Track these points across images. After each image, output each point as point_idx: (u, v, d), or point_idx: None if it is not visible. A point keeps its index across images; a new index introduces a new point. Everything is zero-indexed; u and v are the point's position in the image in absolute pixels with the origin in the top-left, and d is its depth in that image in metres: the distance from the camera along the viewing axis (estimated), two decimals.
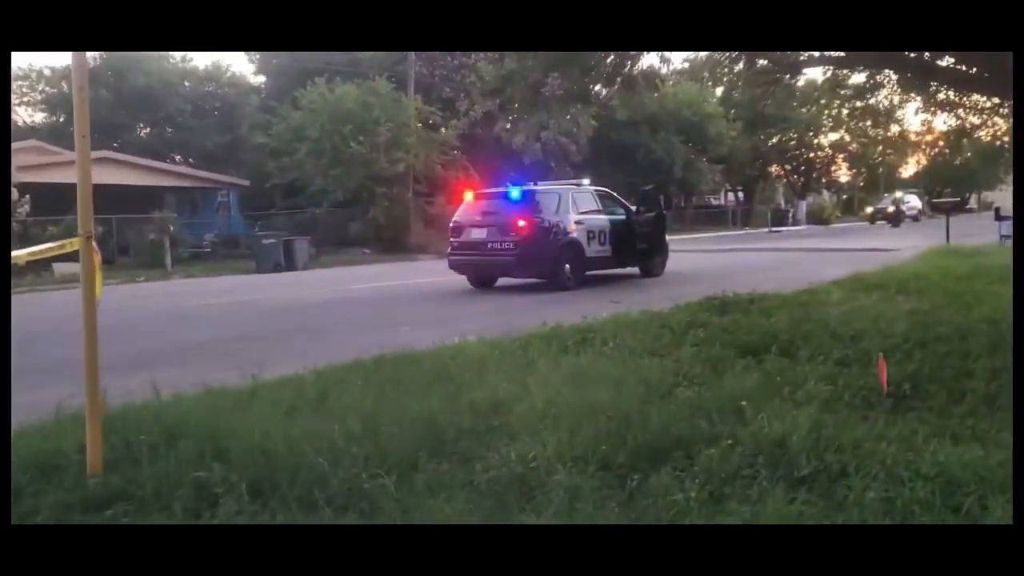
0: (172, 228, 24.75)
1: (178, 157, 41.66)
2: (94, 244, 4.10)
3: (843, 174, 65.99)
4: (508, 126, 34.84)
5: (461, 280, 15.70)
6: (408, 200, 30.72)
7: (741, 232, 43.36)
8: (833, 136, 57.16)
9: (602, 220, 15.45)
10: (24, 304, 16.67)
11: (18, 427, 4.97)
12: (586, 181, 17.11)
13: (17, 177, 24.80)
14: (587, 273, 15.08)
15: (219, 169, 36.64)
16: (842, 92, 18.30)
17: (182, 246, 26.12)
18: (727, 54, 11.98)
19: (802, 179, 61.00)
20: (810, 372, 5.58)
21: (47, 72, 48.11)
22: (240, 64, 46.11)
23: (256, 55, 40.65)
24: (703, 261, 21.44)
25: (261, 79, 44.18)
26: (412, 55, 31.84)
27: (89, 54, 4.42)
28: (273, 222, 29.96)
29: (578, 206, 15.24)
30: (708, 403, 4.74)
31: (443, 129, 32.12)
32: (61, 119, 45.53)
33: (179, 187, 32.53)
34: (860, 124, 37.74)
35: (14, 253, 4.17)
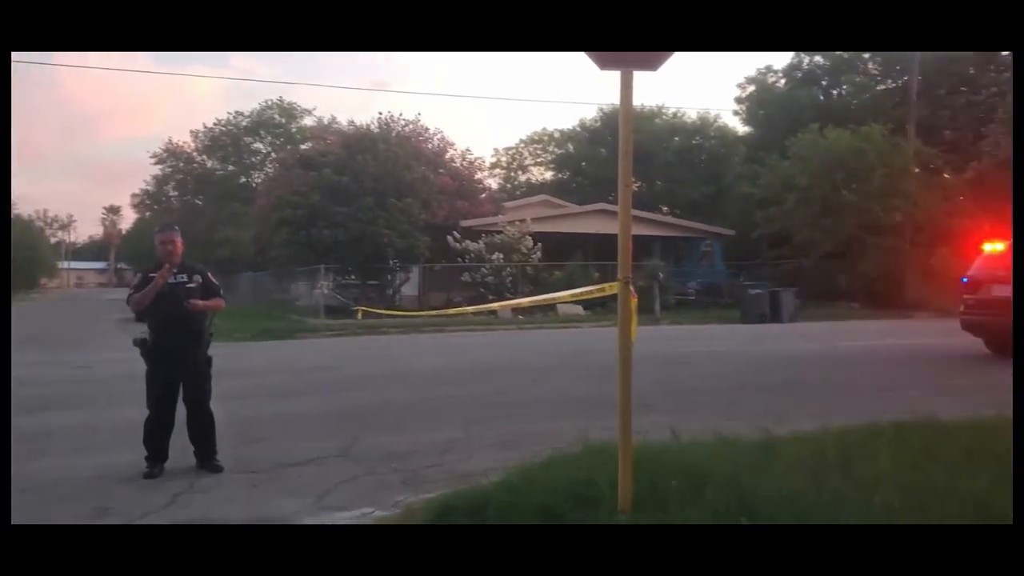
0: (661, 276, 25.86)
1: (665, 208, 43.74)
2: (631, 288, 4.27)
3: None
4: None
5: (973, 343, 13.93)
6: (904, 251, 28.40)
7: None
8: None
9: None
10: (530, 338, 18.66)
11: (552, 454, 5.40)
12: None
13: (531, 228, 28.02)
14: None
15: (704, 219, 37.61)
16: None
17: (669, 293, 27.15)
18: None
19: None
20: None
21: (556, 135, 54.09)
22: (726, 116, 47.33)
23: (743, 107, 41.21)
24: None
25: (747, 129, 44.64)
26: (913, 96, 29.61)
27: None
28: (757, 272, 29.82)
29: None
30: None
31: (945, 175, 29.24)
32: (565, 175, 50.78)
33: (666, 236, 34.01)
34: None
35: (558, 294, 4.57)
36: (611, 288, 4.38)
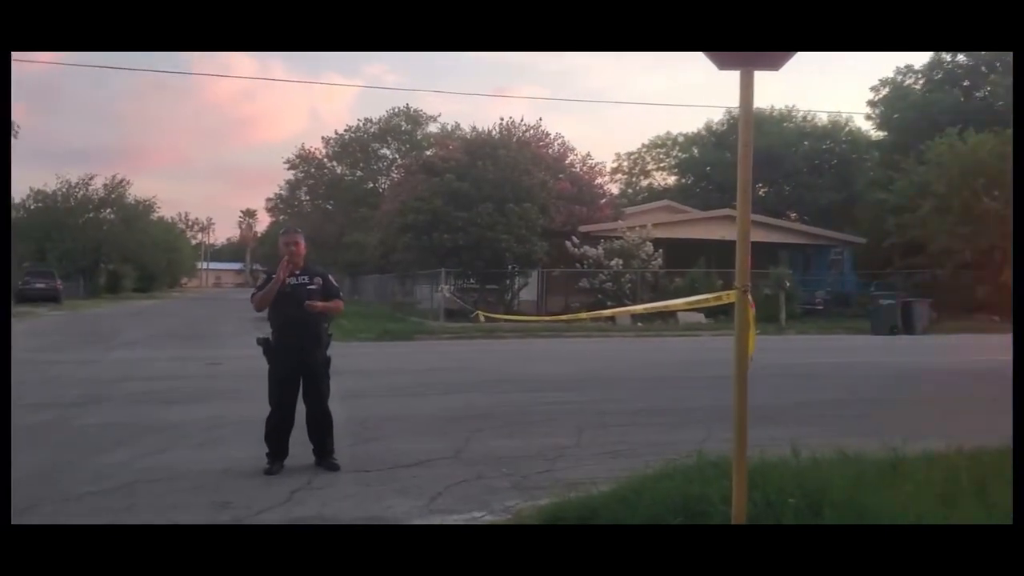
0: (787, 284, 25.06)
1: (793, 215, 42.39)
2: (750, 298, 4.11)
3: None
4: None
5: None
6: None
7: None
8: None
9: None
10: (649, 345, 18.40)
11: (664, 467, 5.26)
12: None
13: (651, 233, 27.65)
14: None
15: (833, 226, 36.25)
16: None
17: (795, 302, 26.28)
18: None
19: None
20: None
21: (680, 139, 53.26)
22: (859, 120, 45.42)
23: (877, 111, 39.49)
24: None
25: (880, 133, 42.79)
26: None
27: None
28: (889, 282, 28.50)
29: None
30: None
31: None
32: (689, 180, 49.94)
33: (793, 244, 32.94)
34: None
35: (672, 302, 4.44)
36: (728, 297, 4.23)
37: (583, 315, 18.07)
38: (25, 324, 26.10)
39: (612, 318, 22.28)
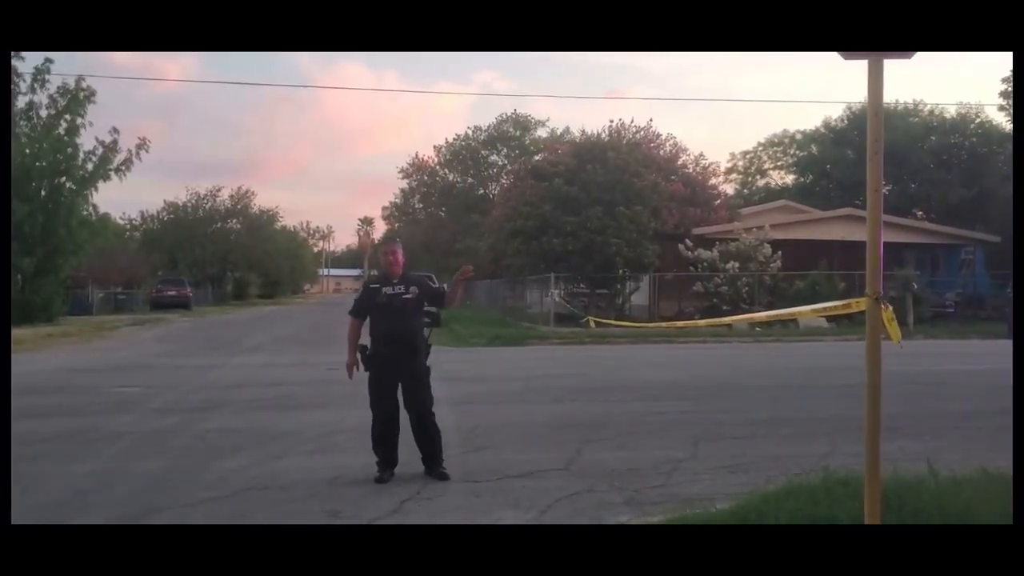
0: (915, 286, 23.81)
1: (919, 212, 40.37)
2: (886, 304, 3.79)
3: None
4: None
5: None
6: None
7: None
8: None
9: None
10: (768, 351, 17.74)
11: (787, 484, 4.97)
12: None
13: (769, 235, 26.78)
14: None
15: (963, 224, 34.33)
16: None
17: (923, 305, 24.95)
18: None
19: None
20: None
21: (798, 137, 51.60)
22: (990, 112, 42.75)
23: (1010, 100, 37.13)
24: None
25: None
26: None
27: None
28: None
29: None
30: None
31: None
32: (808, 179, 48.27)
33: (920, 243, 31.36)
34: None
35: (797, 309, 4.17)
36: (858, 304, 3.93)
37: (700, 322, 17.56)
38: (157, 330, 27.45)
39: (729, 324, 21.66)
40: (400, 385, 6.25)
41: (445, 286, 7.04)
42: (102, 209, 29.74)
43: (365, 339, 6.33)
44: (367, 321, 6.40)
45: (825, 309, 3.67)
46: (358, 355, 6.29)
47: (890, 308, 3.69)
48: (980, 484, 4.57)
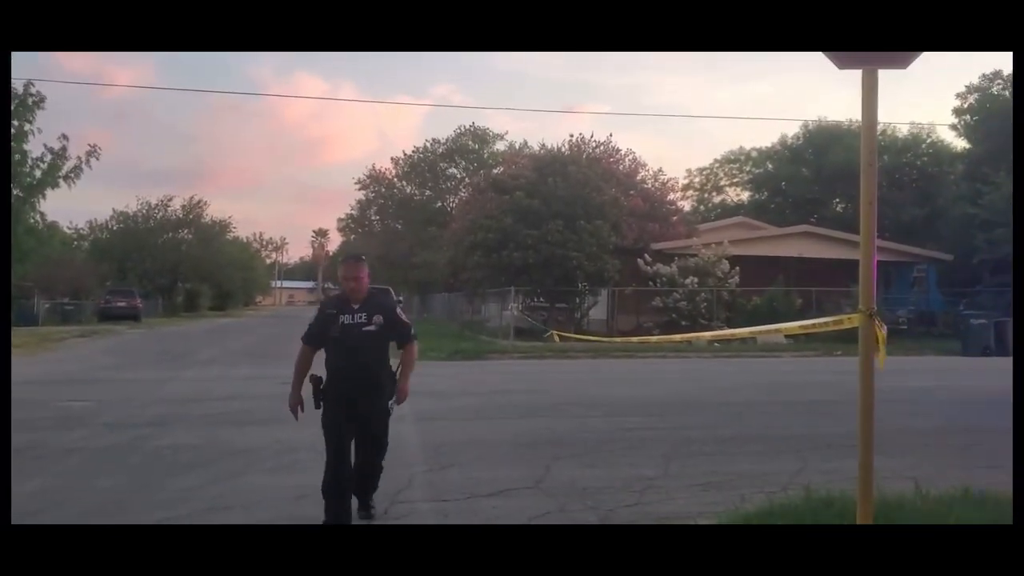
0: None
1: None
2: (878, 321, 3.69)
3: None
4: None
5: None
6: None
7: None
8: None
9: None
10: (727, 367, 17.77)
11: (766, 504, 4.83)
12: None
13: (728, 250, 26.93)
14: None
15: (916, 243, 34.95)
16: None
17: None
18: None
19: None
20: None
21: (754, 154, 52.26)
22: (941, 132, 43.66)
23: (962, 120, 37.95)
24: None
25: (966, 145, 41.18)
26: None
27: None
28: (978, 300, 27.18)
29: None
30: None
31: None
32: (763, 196, 48.84)
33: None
34: None
35: (784, 325, 4.05)
36: (850, 321, 3.82)
37: (677, 337, 17.41)
38: (106, 342, 26.69)
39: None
40: (356, 425, 5.29)
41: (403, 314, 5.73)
42: (50, 217, 28.75)
43: (318, 368, 5.40)
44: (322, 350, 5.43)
45: (816, 326, 3.57)
46: (311, 387, 5.29)
47: (885, 328, 3.57)
48: (969, 505, 4.49)
